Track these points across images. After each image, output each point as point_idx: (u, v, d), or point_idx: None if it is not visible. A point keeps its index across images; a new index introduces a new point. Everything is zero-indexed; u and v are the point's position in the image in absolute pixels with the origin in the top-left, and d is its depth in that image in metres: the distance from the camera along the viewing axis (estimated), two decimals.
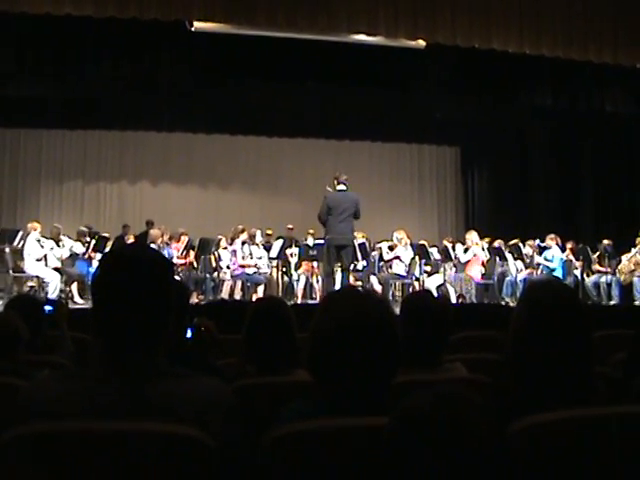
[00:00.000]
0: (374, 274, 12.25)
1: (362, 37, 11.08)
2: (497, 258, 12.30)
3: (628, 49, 11.58)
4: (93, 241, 11.64)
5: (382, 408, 1.72)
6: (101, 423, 1.61)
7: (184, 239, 12.51)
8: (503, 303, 11.57)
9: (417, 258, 11.88)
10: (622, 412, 1.86)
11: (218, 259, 12.30)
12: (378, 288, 11.51)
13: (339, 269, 10.18)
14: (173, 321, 1.77)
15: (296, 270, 12.77)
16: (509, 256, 12.54)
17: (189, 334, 3.30)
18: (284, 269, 12.42)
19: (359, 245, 11.42)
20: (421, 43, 11.35)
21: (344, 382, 1.78)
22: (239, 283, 11.98)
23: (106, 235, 12.18)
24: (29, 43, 10.64)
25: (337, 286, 9.75)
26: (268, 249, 12.33)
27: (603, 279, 12.18)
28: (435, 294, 3.36)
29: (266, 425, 1.81)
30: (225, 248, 12.40)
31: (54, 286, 10.59)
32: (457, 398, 1.30)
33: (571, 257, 12.65)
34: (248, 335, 2.98)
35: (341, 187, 9.91)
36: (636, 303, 11.35)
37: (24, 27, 10.35)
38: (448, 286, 11.96)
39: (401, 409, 1.31)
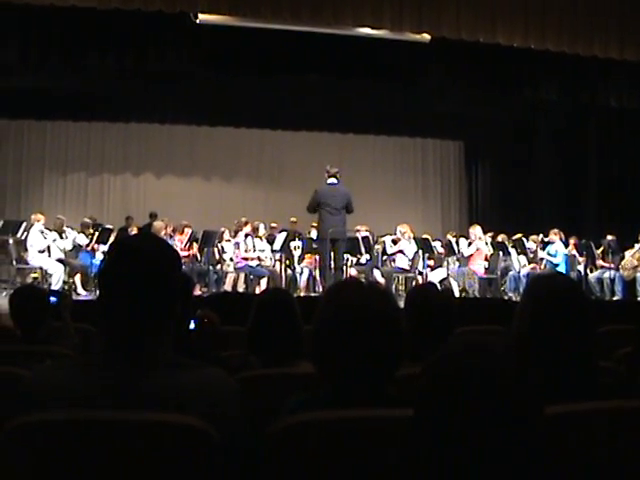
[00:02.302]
0: (377, 268, 12.25)
1: (367, 30, 11.06)
2: (500, 253, 12.29)
3: (634, 44, 11.55)
4: (96, 233, 11.65)
5: (385, 400, 1.72)
6: (104, 413, 1.62)
7: (187, 231, 12.49)
8: (506, 298, 11.56)
9: (420, 252, 11.87)
10: (626, 407, 1.86)
11: (221, 251, 12.31)
12: (381, 282, 11.50)
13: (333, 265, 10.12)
14: (178, 312, 1.77)
15: (299, 263, 12.77)
16: (512, 251, 12.53)
17: (192, 326, 3.31)
18: (287, 262, 12.42)
19: (362, 238, 11.42)
20: (426, 37, 11.32)
21: (347, 374, 1.78)
22: (242, 276, 11.99)
23: (109, 227, 12.19)
24: (33, 35, 10.63)
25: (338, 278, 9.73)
26: (271, 242, 12.33)
27: (606, 275, 12.13)
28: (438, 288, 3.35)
29: (270, 417, 1.82)
30: (228, 240, 12.42)
31: (57, 277, 10.61)
32: (486, 347, 1.25)
33: (574, 252, 12.63)
34: (253, 326, 2.98)
35: (332, 180, 9.90)
36: (639, 299, 11.34)
37: (28, 18, 10.34)
38: (451, 280, 11.96)
39: (433, 359, 1.27)
